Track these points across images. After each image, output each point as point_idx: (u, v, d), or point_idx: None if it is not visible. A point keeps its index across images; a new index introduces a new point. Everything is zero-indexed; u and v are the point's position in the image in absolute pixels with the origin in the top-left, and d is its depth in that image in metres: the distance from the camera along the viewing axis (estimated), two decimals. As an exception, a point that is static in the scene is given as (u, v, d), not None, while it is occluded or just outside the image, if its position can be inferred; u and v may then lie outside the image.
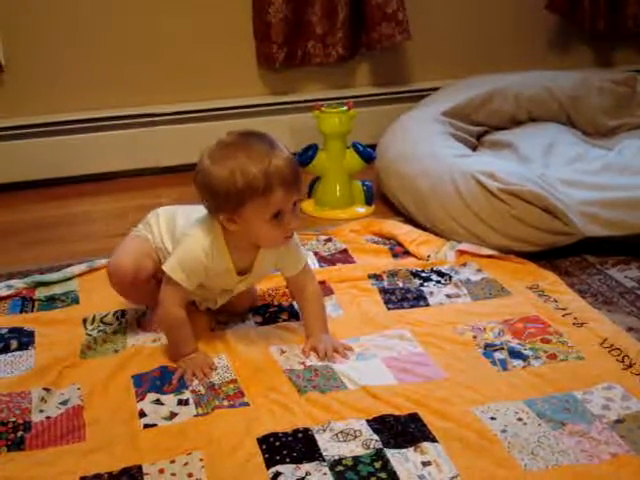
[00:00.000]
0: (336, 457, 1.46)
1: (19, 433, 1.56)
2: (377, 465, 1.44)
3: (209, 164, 1.67)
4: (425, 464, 1.43)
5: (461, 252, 2.23)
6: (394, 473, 1.41)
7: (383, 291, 2.06)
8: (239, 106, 3.04)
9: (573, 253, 2.23)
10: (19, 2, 2.81)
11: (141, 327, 1.92)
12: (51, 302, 2.06)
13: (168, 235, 1.83)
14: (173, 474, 1.44)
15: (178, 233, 1.80)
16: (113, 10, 2.89)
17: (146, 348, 1.83)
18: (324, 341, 1.79)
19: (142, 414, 1.60)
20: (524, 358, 1.75)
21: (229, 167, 1.63)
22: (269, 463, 1.45)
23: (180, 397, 1.65)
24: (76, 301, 2.06)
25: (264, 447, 1.48)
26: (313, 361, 1.76)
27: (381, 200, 2.69)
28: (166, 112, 2.98)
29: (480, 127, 2.92)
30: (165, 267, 1.74)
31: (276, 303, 2.01)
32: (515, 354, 1.77)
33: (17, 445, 1.53)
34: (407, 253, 2.28)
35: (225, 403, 1.62)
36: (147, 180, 2.97)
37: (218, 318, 1.94)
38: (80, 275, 2.18)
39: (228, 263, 1.76)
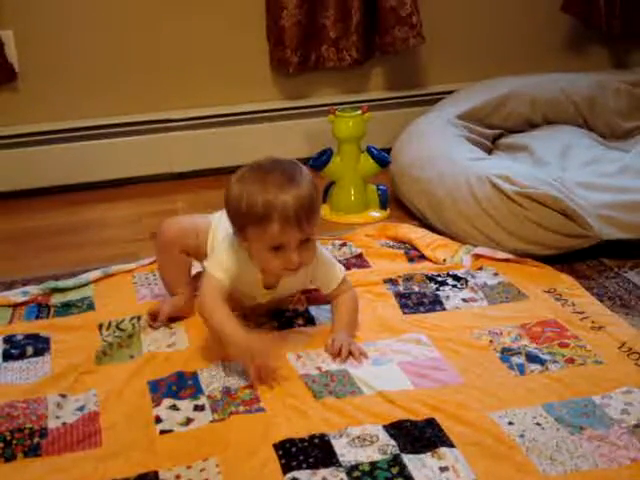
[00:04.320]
0: (353, 462, 1.45)
1: (35, 439, 1.56)
2: (394, 471, 1.43)
3: (233, 181, 1.74)
4: (443, 469, 1.42)
5: (477, 256, 2.22)
6: (411, 479, 1.40)
7: (399, 296, 2.05)
8: (253, 111, 3.03)
9: (590, 256, 2.21)
10: (33, 10, 2.82)
11: (149, 316, 1.93)
12: (67, 308, 2.06)
13: (215, 236, 1.90)
14: (189, 480, 1.44)
15: (217, 241, 1.87)
16: (127, 16, 2.90)
17: (162, 353, 1.83)
18: (341, 339, 1.79)
19: (158, 420, 1.60)
20: (542, 362, 1.74)
21: (241, 189, 1.70)
22: (286, 469, 1.44)
23: (196, 403, 1.65)
24: (91, 307, 2.06)
25: (280, 453, 1.48)
26: (329, 366, 1.75)
27: (396, 204, 2.68)
28: (180, 118, 2.98)
29: (495, 130, 2.90)
30: (206, 264, 1.81)
31: (292, 308, 2.00)
32: (533, 358, 1.75)
33: (33, 451, 1.53)
34: (423, 257, 2.27)
35: (241, 409, 1.62)
36: (161, 186, 2.97)
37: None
38: (95, 281, 2.18)
39: (256, 275, 1.81)
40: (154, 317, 1.94)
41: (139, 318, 1.96)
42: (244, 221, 1.71)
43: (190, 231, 1.92)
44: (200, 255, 1.91)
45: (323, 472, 1.43)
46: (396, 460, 1.45)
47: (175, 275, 1.96)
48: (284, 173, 1.71)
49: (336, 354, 1.76)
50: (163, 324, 1.92)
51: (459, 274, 2.14)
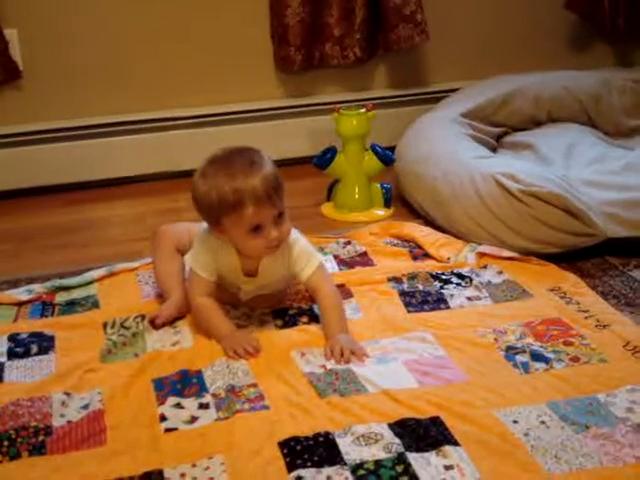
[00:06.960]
0: (357, 461, 1.45)
1: (40, 437, 1.56)
2: (399, 469, 1.43)
3: (197, 179, 1.80)
4: (447, 468, 1.42)
5: (481, 254, 2.22)
6: (416, 477, 1.40)
7: (403, 294, 2.05)
8: (257, 109, 3.03)
9: (595, 254, 2.21)
10: (37, 8, 2.82)
11: (150, 322, 1.93)
12: (71, 306, 2.07)
13: None
14: (194, 478, 1.43)
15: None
16: (130, 15, 2.90)
17: (166, 352, 1.83)
18: (340, 342, 1.78)
19: (163, 418, 1.60)
20: (546, 361, 1.74)
21: (208, 183, 1.76)
22: (290, 467, 1.44)
23: (201, 401, 1.65)
24: (96, 305, 2.07)
25: (285, 451, 1.48)
26: (334, 364, 1.75)
27: (400, 202, 2.68)
28: (183, 116, 2.98)
29: (500, 128, 2.90)
30: (186, 258, 1.91)
31: (296, 306, 2.00)
32: (537, 357, 1.75)
33: (38, 449, 1.53)
34: (427, 255, 2.26)
35: (246, 407, 1.62)
36: (165, 184, 2.97)
37: (238, 322, 1.93)
38: (100, 279, 2.18)
39: (236, 263, 1.86)
40: (154, 322, 1.93)
41: (143, 317, 1.96)
42: (218, 213, 1.76)
43: (184, 232, 2.02)
44: None
45: (328, 470, 1.43)
46: (401, 458, 1.45)
47: (170, 272, 1.99)
48: (244, 158, 1.77)
49: (338, 359, 1.76)
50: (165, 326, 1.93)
51: (463, 272, 2.14)
